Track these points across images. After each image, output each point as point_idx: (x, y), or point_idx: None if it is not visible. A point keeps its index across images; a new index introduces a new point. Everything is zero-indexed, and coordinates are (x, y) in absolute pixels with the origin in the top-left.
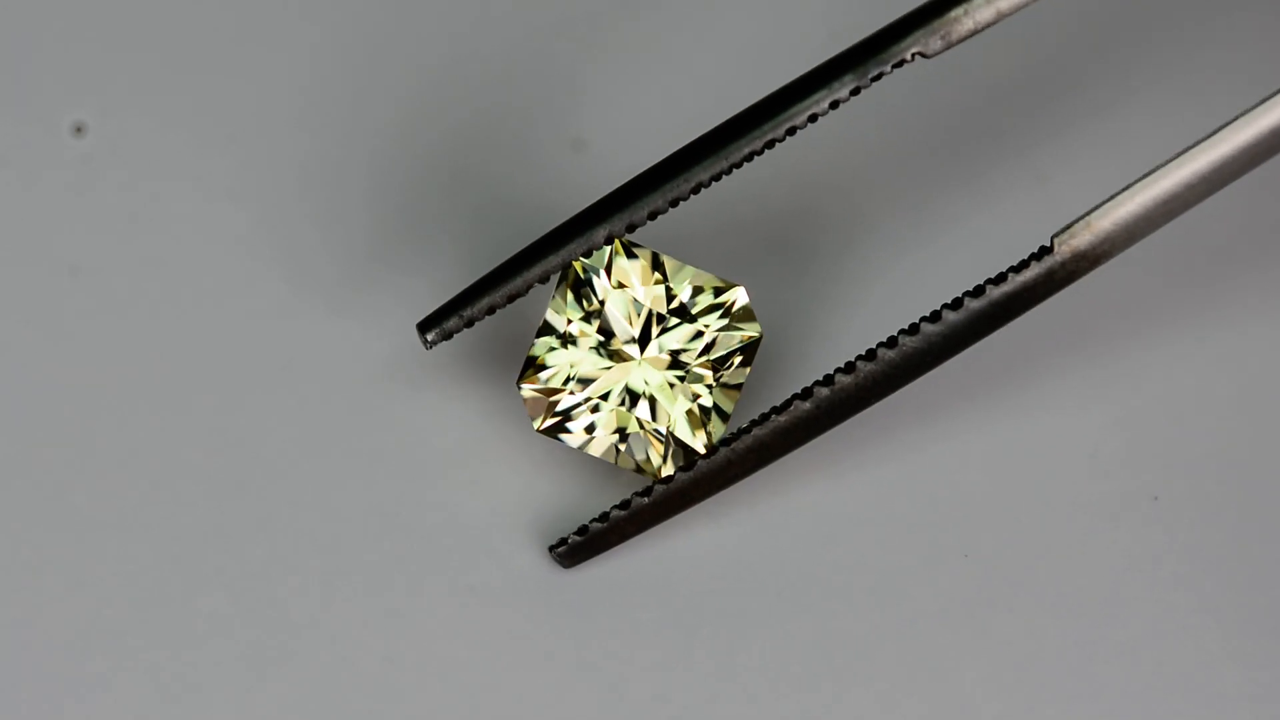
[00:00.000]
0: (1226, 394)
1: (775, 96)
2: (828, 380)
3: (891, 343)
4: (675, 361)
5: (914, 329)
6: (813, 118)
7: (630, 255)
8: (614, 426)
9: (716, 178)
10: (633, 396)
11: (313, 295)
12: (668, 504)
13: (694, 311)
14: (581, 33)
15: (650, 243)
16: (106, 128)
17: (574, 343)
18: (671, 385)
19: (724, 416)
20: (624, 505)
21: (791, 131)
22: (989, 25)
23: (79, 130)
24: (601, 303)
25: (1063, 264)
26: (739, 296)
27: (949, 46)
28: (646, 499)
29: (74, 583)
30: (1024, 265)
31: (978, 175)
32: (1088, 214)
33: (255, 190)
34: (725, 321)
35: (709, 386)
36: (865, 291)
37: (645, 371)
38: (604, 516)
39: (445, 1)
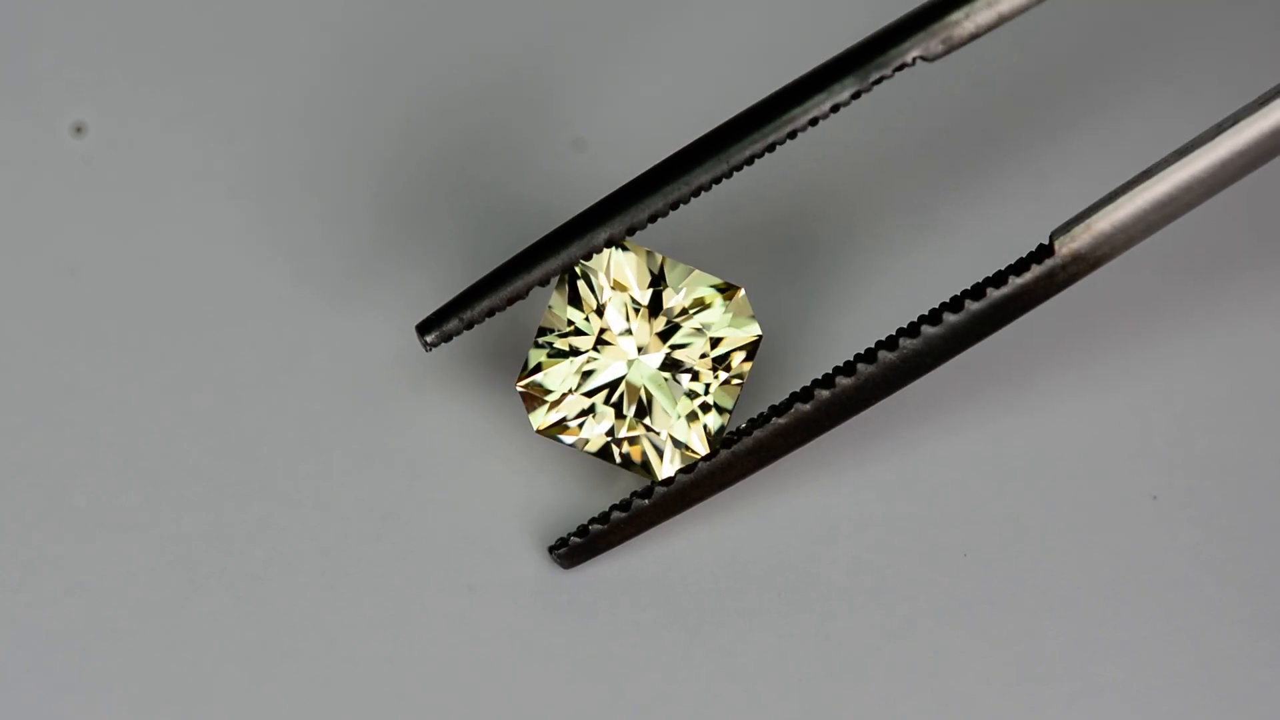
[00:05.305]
0: (1226, 394)
1: (775, 99)
2: (827, 381)
3: (891, 344)
4: (674, 362)
5: (913, 330)
6: (813, 121)
7: (630, 256)
8: (613, 427)
9: (717, 180)
10: (632, 397)
11: (312, 296)
12: (667, 505)
13: (693, 313)
14: (581, 33)
15: (650, 245)
16: (106, 128)
17: (573, 343)
18: (671, 386)
19: (724, 417)
20: (623, 506)
21: (792, 134)
22: (990, 28)
23: (79, 130)
24: (601, 303)
25: (1062, 266)
26: (738, 297)
27: (950, 50)
28: (646, 500)
29: (74, 583)
30: (1023, 267)
31: (978, 178)
32: (1087, 216)
33: (255, 190)
34: (725, 322)
35: (708, 387)
36: (865, 293)
37: (644, 372)
38: (603, 517)
39: (445, 1)
